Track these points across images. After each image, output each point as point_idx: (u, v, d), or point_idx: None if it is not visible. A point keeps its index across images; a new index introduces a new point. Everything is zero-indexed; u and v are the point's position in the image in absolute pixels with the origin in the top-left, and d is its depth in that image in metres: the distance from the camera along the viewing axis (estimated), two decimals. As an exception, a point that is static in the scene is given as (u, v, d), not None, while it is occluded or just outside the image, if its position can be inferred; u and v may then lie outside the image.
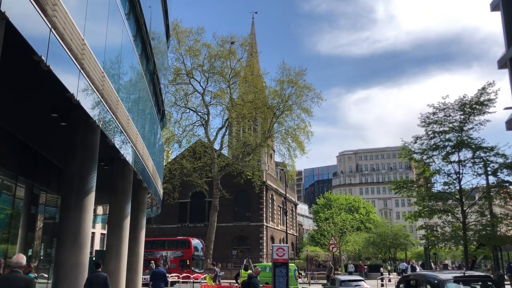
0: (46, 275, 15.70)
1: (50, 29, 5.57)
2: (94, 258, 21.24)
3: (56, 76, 5.83)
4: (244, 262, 36.79)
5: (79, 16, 6.88)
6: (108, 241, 15.03)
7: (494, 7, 34.77)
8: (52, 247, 15.99)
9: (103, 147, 10.02)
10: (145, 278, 22.64)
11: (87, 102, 7.36)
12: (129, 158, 11.41)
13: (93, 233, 42.58)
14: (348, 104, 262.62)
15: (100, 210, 29.46)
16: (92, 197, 9.71)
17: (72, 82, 6.59)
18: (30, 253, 14.55)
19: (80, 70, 6.83)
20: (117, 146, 9.88)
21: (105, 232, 33.71)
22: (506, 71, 34.00)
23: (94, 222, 36.16)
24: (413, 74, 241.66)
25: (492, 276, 14.10)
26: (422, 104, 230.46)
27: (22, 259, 6.27)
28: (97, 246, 43.12)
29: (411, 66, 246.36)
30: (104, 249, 18.56)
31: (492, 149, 20.56)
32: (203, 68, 41.90)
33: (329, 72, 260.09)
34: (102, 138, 9.67)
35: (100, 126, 8.41)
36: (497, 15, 34.70)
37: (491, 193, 21.18)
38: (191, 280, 29.28)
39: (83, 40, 6.94)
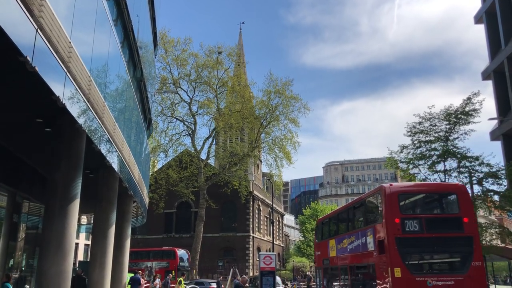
0: (28, 286, 15.33)
1: (36, 30, 5.47)
2: (77, 269, 20.87)
3: (42, 78, 5.71)
4: (231, 272, 36.57)
5: (66, 19, 6.78)
6: (92, 250, 14.74)
7: (477, 20, 35.53)
8: (34, 258, 15.64)
9: (89, 154, 9.85)
10: None
11: (73, 106, 7.23)
12: (115, 165, 11.25)
13: (76, 244, 41.88)
14: (333, 115, 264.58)
15: (84, 220, 28.98)
16: (76, 204, 9.51)
17: (58, 85, 6.46)
18: (11, 263, 14.20)
19: (66, 73, 6.72)
20: (103, 153, 9.73)
21: (89, 242, 33.18)
22: (487, 83, 34.68)
23: (78, 232, 35.60)
24: (397, 86, 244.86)
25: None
26: (406, 116, 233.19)
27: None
28: (80, 257, 42.36)
29: (395, 78, 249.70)
30: (88, 260, 18.24)
31: (477, 158, 20.78)
32: (190, 77, 41.78)
33: (314, 83, 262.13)
34: (88, 145, 9.51)
35: (86, 131, 8.27)
36: (481, 28, 35.47)
37: (476, 203, 21.36)
38: None
39: (70, 43, 6.83)
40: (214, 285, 32.48)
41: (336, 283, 17.83)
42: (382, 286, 12.89)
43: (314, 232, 22.11)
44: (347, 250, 16.43)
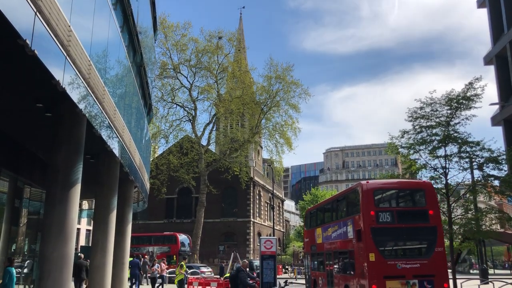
0: (29, 272, 15.44)
1: (35, 13, 5.40)
2: (79, 254, 21.04)
3: (42, 61, 5.65)
4: (232, 256, 36.84)
5: (65, 2, 6.70)
6: (94, 235, 14.81)
7: (480, 4, 35.14)
8: (36, 243, 15.73)
9: (89, 139, 9.83)
10: None
11: (73, 91, 7.18)
12: (115, 150, 11.24)
13: (78, 229, 42.06)
14: (334, 101, 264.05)
15: (85, 205, 29.14)
16: (77, 189, 9.52)
17: (58, 69, 6.41)
18: (13, 248, 14.30)
19: (66, 57, 6.66)
20: (104, 137, 9.70)
21: (90, 228, 33.39)
22: (489, 68, 34.44)
23: (80, 217, 35.76)
24: (397, 72, 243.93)
25: None
26: (406, 102, 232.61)
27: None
28: (82, 242, 42.61)
29: (395, 63, 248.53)
30: (90, 245, 18.36)
31: (478, 143, 20.68)
32: (190, 63, 41.54)
33: (315, 69, 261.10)
34: (88, 130, 9.48)
35: (86, 116, 8.23)
36: (483, 12, 35.12)
37: (476, 188, 21.36)
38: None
39: (69, 26, 6.76)
40: (204, 269, 32.92)
41: (322, 266, 20.00)
42: (360, 269, 14.87)
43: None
44: (331, 238, 18.54)
